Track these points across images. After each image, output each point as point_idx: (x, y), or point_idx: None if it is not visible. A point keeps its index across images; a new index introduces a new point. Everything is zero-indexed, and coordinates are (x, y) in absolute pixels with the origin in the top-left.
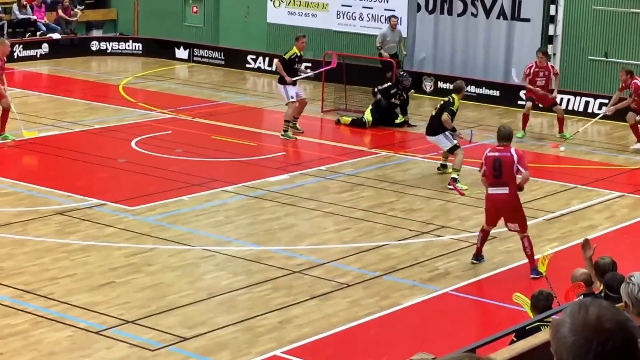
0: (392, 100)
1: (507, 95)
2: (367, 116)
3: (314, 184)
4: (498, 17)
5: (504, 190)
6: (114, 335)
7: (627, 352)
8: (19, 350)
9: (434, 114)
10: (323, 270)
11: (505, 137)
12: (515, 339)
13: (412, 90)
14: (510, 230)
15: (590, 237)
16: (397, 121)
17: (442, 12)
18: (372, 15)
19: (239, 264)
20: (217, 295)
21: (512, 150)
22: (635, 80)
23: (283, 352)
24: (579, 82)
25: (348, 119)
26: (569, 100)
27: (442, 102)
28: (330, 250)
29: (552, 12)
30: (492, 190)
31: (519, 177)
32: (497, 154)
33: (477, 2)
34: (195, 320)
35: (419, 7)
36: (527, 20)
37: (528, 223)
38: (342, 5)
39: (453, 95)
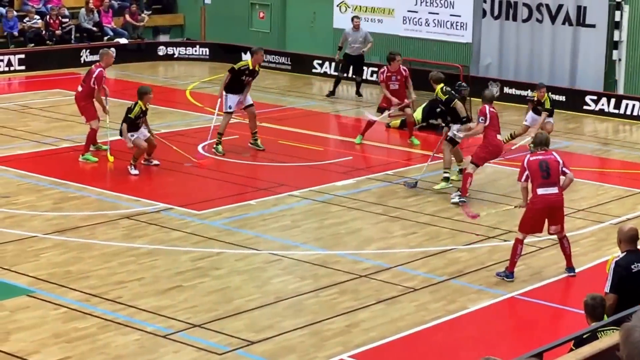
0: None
1: (573, 100)
2: (417, 115)
3: (381, 188)
4: (563, 23)
5: (554, 190)
6: (181, 339)
7: None
8: (86, 353)
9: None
10: (389, 274)
11: (543, 142)
12: (573, 348)
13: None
14: (550, 233)
15: None
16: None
17: (507, 18)
18: (438, 20)
19: (306, 268)
20: (283, 300)
21: (554, 153)
22: None
23: (350, 356)
24: None
25: (397, 122)
26: (633, 105)
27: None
28: (396, 255)
29: (617, 17)
30: (543, 191)
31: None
32: (540, 157)
33: (543, 8)
34: (262, 324)
35: (484, 13)
36: (593, 26)
37: (594, 227)
38: (408, 11)
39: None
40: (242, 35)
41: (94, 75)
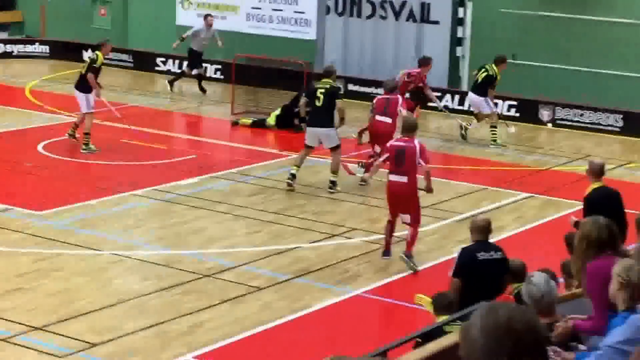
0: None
1: (418, 97)
2: (271, 120)
3: (225, 187)
4: (407, 20)
5: (403, 178)
6: (21, 342)
7: (538, 352)
8: None
9: (318, 104)
10: (234, 273)
11: (410, 128)
12: (419, 341)
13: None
14: (403, 222)
15: (500, 238)
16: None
17: (351, 15)
18: (282, 17)
19: (149, 269)
20: (126, 301)
21: (416, 142)
22: None
23: (194, 357)
24: None
25: (248, 121)
26: None
27: (323, 90)
28: (241, 254)
29: (461, 14)
30: (392, 178)
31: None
32: (401, 143)
33: (387, 4)
34: (104, 325)
35: (328, 10)
36: (436, 22)
37: (438, 224)
38: (252, 8)
39: (326, 79)
40: (83, 32)
41: None
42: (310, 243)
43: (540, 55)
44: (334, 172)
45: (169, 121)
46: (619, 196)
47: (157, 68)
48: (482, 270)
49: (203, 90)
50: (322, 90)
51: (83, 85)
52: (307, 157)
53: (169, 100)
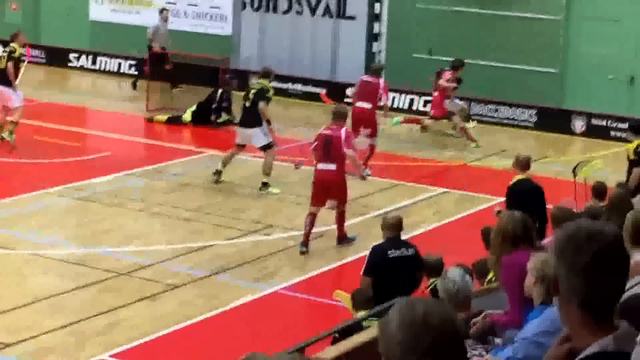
0: (222, 104)
1: (334, 92)
2: (187, 116)
3: (141, 184)
4: (324, 15)
5: (332, 167)
6: None
7: (455, 346)
8: None
9: (248, 104)
10: (151, 271)
11: (340, 116)
12: (337, 336)
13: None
14: (327, 207)
15: (417, 233)
16: (219, 120)
17: (267, 10)
18: (198, 12)
19: (66, 267)
20: (42, 300)
21: (343, 130)
22: None
23: (111, 356)
24: (404, 79)
25: (164, 117)
26: (394, 98)
27: (254, 91)
28: (158, 252)
29: (377, 10)
30: (321, 167)
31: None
32: (329, 132)
33: (303, 0)
34: (19, 325)
35: (244, 5)
36: (353, 18)
37: (356, 220)
38: (167, 3)
39: (261, 80)
40: None
41: None
42: (228, 240)
43: (456, 50)
44: (266, 173)
45: (82, 118)
46: (541, 190)
47: (70, 64)
48: (393, 268)
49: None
50: (253, 91)
51: (5, 79)
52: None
53: (82, 97)
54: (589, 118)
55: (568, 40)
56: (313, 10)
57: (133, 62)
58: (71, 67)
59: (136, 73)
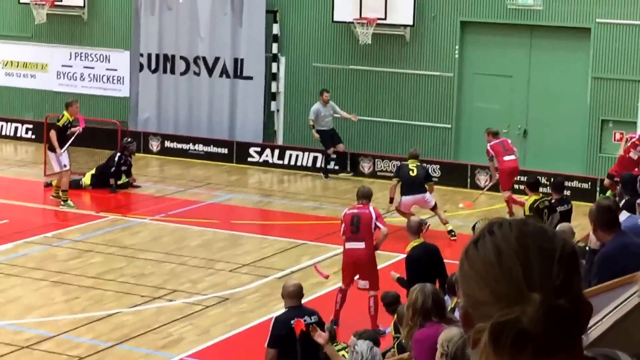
0: (122, 168)
1: (235, 152)
2: (86, 180)
3: (40, 252)
4: (221, 76)
5: (361, 245)
6: None
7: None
8: None
9: None
10: (53, 343)
11: (364, 195)
12: None
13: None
14: (359, 288)
15: (321, 294)
16: (120, 182)
17: (165, 71)
18: (94, 75)
19: None
20: None
21: (371, 208)
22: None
23: None
24: (304, 138)
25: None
26: (297, 155)
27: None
28: (60, 322)
29: (274, 69)
30: (349, 245)
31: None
32: (356, 210)
33: (200, 60)
34: None
35: (141, 67)
36: (250, 78)
37: (259, 282)
38: (63, 66)
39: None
40: None
41: None
42: (131, 307)
43: (354, 108)
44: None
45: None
46: (438, 251)
47: None
48: (297, 337)
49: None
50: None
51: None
52: (126, 219)
53: None
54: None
55: (460, 96)
56: (210, 71)
57: (29, 126)
58: None
59: (33, 137)
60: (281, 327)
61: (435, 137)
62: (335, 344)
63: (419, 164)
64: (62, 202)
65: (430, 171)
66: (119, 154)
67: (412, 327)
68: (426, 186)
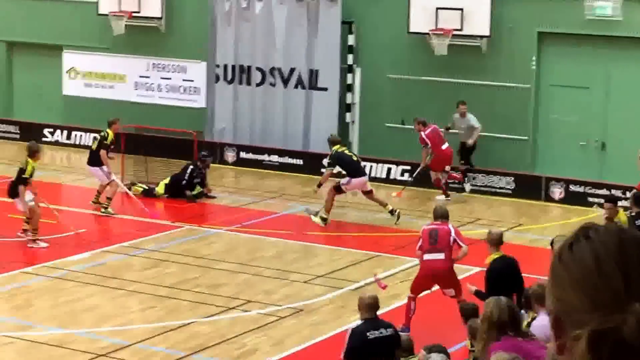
0: (194, 180)
1: (310, 163)
2: (160, 189)
3: (117, 261)
4: (296, 87)
5: (440, 255)
6: None
7: None
8: None
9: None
10: (129, 352)
11: (442, 215)
12: None
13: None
14: (449, 295)
15: (395, 307)
16: (194, 192)
17: (240, 82)
18: (171, 85)
19: (42, 350)
20: None
21: (450, 225)
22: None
23: None
24: (378, 149)
25: (139, 188)
26: (371, 167)
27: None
28: (135, 331)
29: (350, 80)
30: (428, 257)
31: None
32: (434, 226)
33: (275, 71)
34: None
35: (217, 78)
36: (325, 89)
37: (333, 294)
38: (140, 77)
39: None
40: None
41: None
42: (206, 317)
43: (428, 119)
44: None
45: (58, 194)
46: (517, 264)
47: (44, 139)
48: (373, 350)
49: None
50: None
51: (94, 161)
52: (201, 229)
53: (57, 172)
54: (566, 184)
55: (538, 108)
56: (286, 82)
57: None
58: (45, 142)
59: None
60: (357, 339)
61: (511, 149)
62: (411, 357)
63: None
64: (102, 209)
65: None
66: (191, 166)
67: (488, 341)
68: None
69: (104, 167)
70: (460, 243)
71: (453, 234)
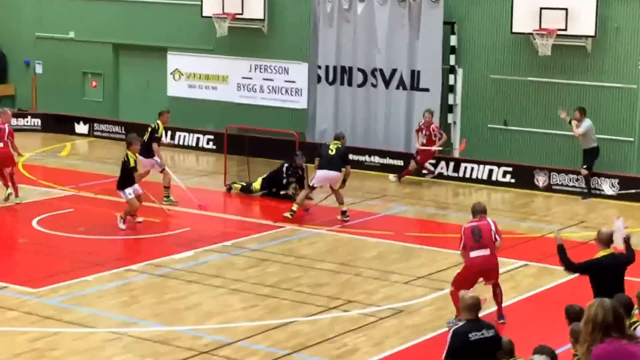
0: (289, 179)
1: (410, 164)
2: (256, 185)
3: (219, 260)
4: (397, 88)
5: (486, 251)
6: None
7: None
8: None
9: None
10: (231, 349)
11: (481, 211)
12: None
13: None
14: (486, 284)
15: (495, 309)
16: (289, 192)
17: (342, 83)
18: (273, 87)
19: (146, 346)
20: None
21: (489, 219)
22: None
23: None
24: (480, 150)
25: (239, 186)
26: (472, 168)
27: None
28: (237, 329)
29: (451, 81)
30: (474, 254)
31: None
32: (475, 223)
33: (377, 72)
34: None
35: (319, 79)
36: (426, 90)
37: (434, 295)
38: (243, 78)
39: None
40: (74, 105)
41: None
42: (306, 317)
43: (531, 120)
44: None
45: (161, 193)
46: (626, 265)
47: None
48: (474, 351)
49: None
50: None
51: (146, 152)
52: (302, 229)
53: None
54: None
55: None
56: (387, 83)
57: (211, 137)
58: None
59: (214, 148)
60: (459, 341)
61: (616, 151)
62: (511, 359)
63: (340, 145)
64: (164, 198)
65: (349, 155)
66: (286, 165)
67: (592, 343)
68: (343, 169)
69: (156, 158)
70: (497, 237)
71: (493, 228)
